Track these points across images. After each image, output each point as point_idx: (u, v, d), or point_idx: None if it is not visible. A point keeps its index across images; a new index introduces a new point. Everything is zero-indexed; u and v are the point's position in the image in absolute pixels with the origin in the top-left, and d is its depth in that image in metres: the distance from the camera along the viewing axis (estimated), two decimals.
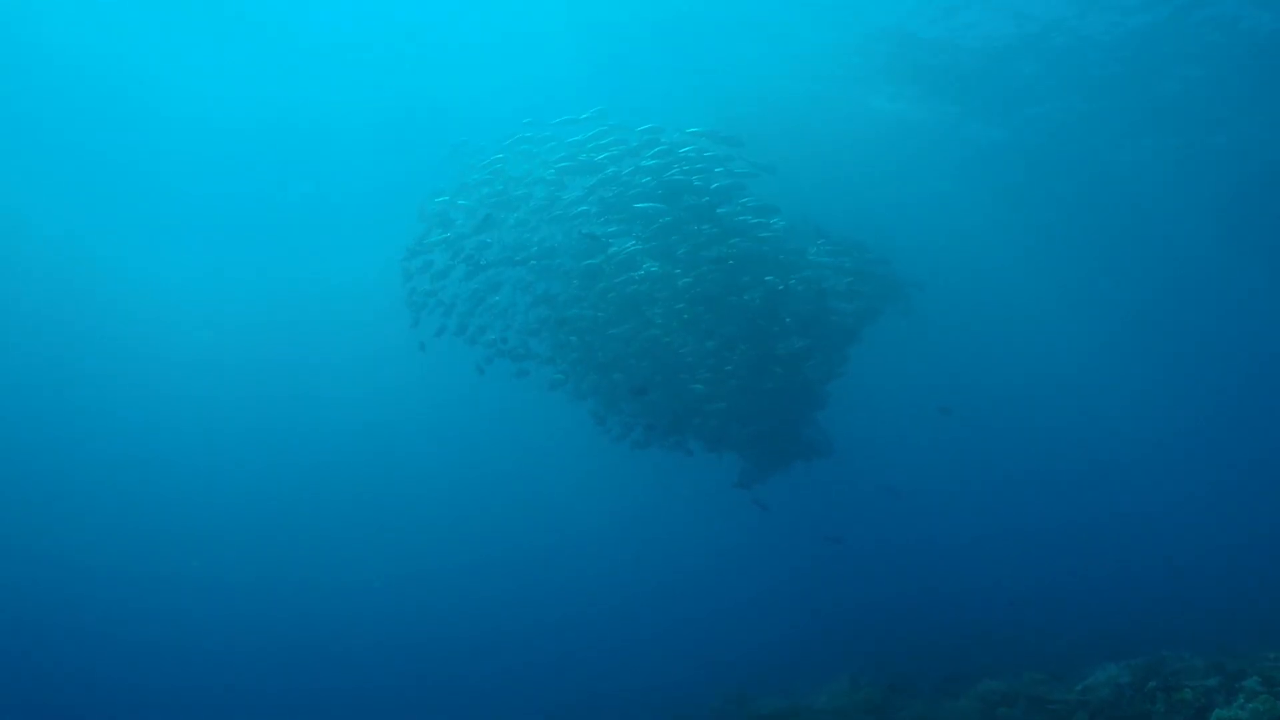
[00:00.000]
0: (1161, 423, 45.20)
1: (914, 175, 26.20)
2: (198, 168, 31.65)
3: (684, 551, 40.74)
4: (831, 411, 18.73)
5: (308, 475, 47.64)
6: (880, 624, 23.66)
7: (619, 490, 39.28)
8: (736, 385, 16.39)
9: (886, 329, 19.06)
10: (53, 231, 36.25)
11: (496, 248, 16.49)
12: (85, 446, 45.64)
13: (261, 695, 28.56)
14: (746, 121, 17.34)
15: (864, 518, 36.53)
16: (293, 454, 47.99)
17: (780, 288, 15.52)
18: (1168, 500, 39.92)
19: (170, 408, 46.21)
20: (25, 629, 33.34)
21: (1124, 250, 30.86)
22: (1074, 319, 37.19)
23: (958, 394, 39.08)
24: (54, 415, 45.55)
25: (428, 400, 43.68)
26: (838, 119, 23.59)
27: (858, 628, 23.69)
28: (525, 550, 42.83)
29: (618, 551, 42.32)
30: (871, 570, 30.25)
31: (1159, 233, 29.07)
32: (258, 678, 29.82)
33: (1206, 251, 29.86)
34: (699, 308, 15.45)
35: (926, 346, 31.31)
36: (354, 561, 41.60)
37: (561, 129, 16.08)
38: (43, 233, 36.22)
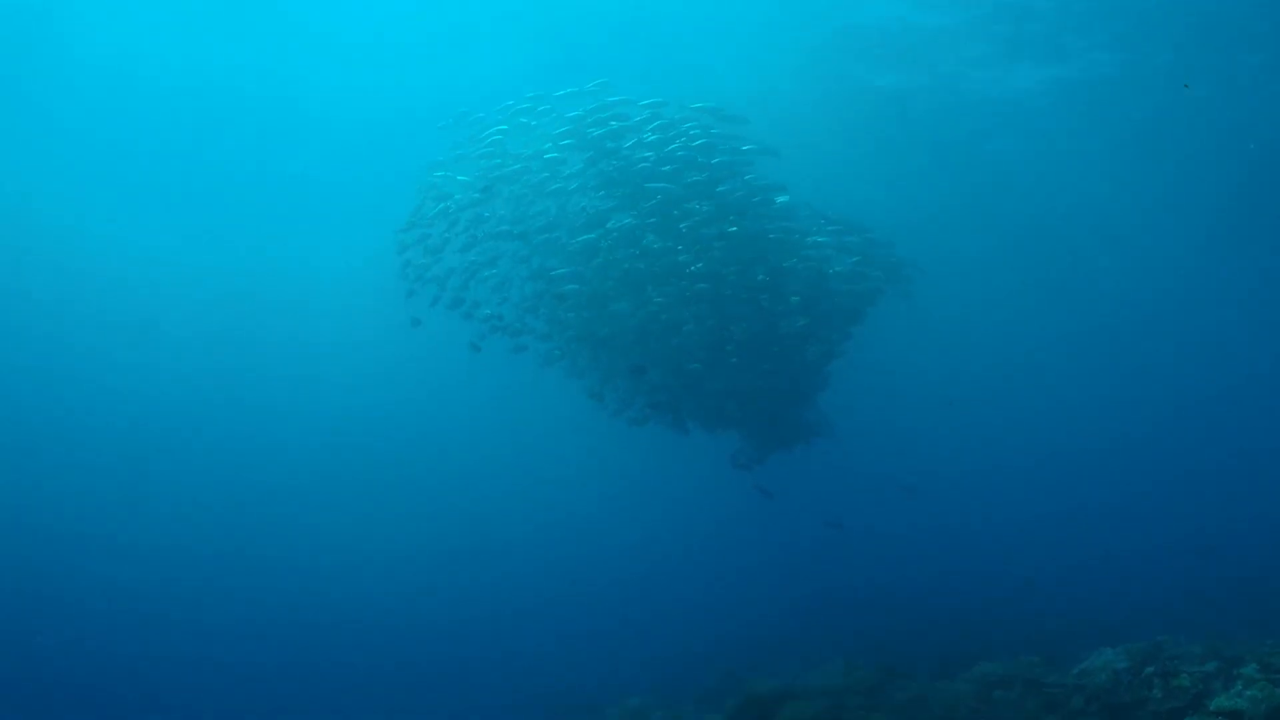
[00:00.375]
0: (1159, 409, 45.19)
1: (914, 160, 25.96)
2: (193, 149, 31.23)
3: (679, 531, 40.75)
4: (831, 394, 18.59)
5: (300, 459, 47.57)
6: (875, 605, 23.63)
7: (614, 470, 39.22)
8: (736, 364, 16.24)
9: (888, 312, 18.83)
10: (45, 215, 35.77)
11: (493, 220, 16.29)
12: (71, 432, 45.47)
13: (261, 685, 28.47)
14: (750, 107, 17.03)
15: (860, 500, 36.49)
16: (284, 438, 47.82)
17: (784, 265, 15.34)
18: (1164, 485, 39.89)
19: (162, 392, 46.00)
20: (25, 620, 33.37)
21: (1128, 238, 30.69)
22: (1074, 306, 37.04)
23: (956, 378, 39.06)
24: (45, 403, 45.29)
25: (418, 384, 43.65)
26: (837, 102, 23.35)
27: (853, 609, 23.67)
28: (519, 531, 42.83)
29: (612, 531, 42.32)
30: (867, 551, 30.21)
31: (1166, 220, 28.89)
32: (258, 665, 29.74)
33: (1214, 239, 29.68)
34: (700, 285, 15.27)
35: (926, 330, 31.12)
36: (349, 548, 41.58)
37: (563, 101, 15.83)
38: (35, 216, 35.75)
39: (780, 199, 15.24)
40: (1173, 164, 25.57)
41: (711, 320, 15.64)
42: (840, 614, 23.73)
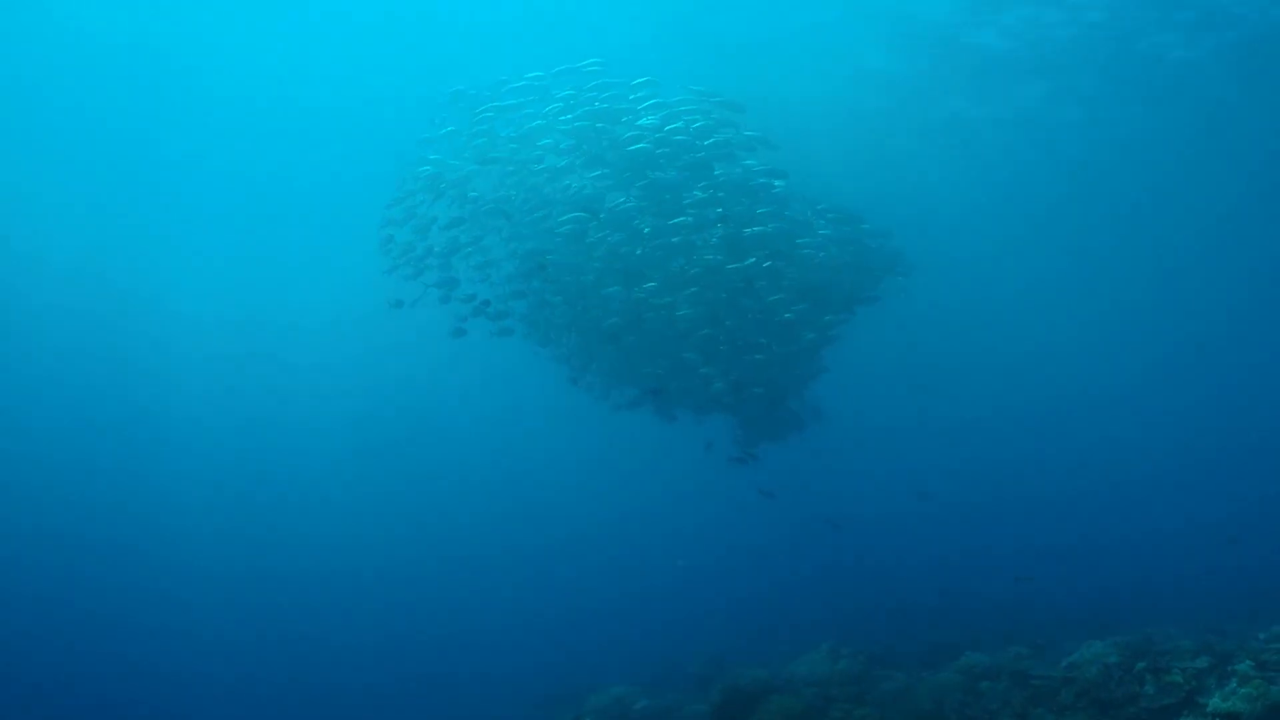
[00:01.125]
0: (1148, 400, 45.35)
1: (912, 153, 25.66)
2: (200, 157, 30.29)
3: (665, 518, 40.70)
4: (823, 384, 18.41)
5: (286, 452, 47.23)
6: (862, 594, 23.56)
7: (598, 457, 39.05)
8: (729, 350, 16.00)
9: (881, 306, 18.58)
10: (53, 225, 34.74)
11: (481, 199, 15.97)
12: (79, 442, 44.95)
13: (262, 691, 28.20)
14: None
15: (848, 489, 36.48)
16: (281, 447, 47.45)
17: (781, 249, 15.07)
18: (1151, 475, 40.06)
19: (170, 402, 45.46)
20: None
21: (1129, 240, 30.62)
22: (1066, 302, 37.01)
23: (947, 370, 39.02)
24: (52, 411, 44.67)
25: (398, 374, 43.25)
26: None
27: (839, 597, 23.58)
28: (503, 520, 42.67)
29: (597, 518, 42.19)
30: (854, 540, 30.13)
31: (1167, 224, 28.81)
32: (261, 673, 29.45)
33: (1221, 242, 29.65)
34: (695, 269, 14.98)
35: (922, 320, 31.00)
36: (331, 543, 41.37)
37: (557, 79, 15.47)
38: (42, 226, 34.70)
39: (778, 184, 14.97)
40: (1191, 164, 25.35)
41: (705, 306, 15.35)
42: (826, 599, 23.67)
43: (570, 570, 35.83)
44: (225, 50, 25.10)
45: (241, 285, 39.14)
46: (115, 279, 38.67)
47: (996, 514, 35.79)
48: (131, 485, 44.09)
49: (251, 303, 40.55)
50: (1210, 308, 36.01)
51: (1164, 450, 43.25)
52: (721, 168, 14.78)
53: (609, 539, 39.74)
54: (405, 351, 37.39)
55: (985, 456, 43.85)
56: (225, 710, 26.83)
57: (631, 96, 14.89)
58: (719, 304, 15.30)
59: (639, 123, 14.74)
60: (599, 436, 32.46)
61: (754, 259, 14.66)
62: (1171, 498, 35.10)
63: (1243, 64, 20.81)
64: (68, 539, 39.17)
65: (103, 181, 31.71)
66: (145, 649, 31.22)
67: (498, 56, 20.92)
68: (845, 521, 23.69)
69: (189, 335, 42.24)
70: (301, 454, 47.16)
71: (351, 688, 27.02)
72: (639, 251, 15.09)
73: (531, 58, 16.62)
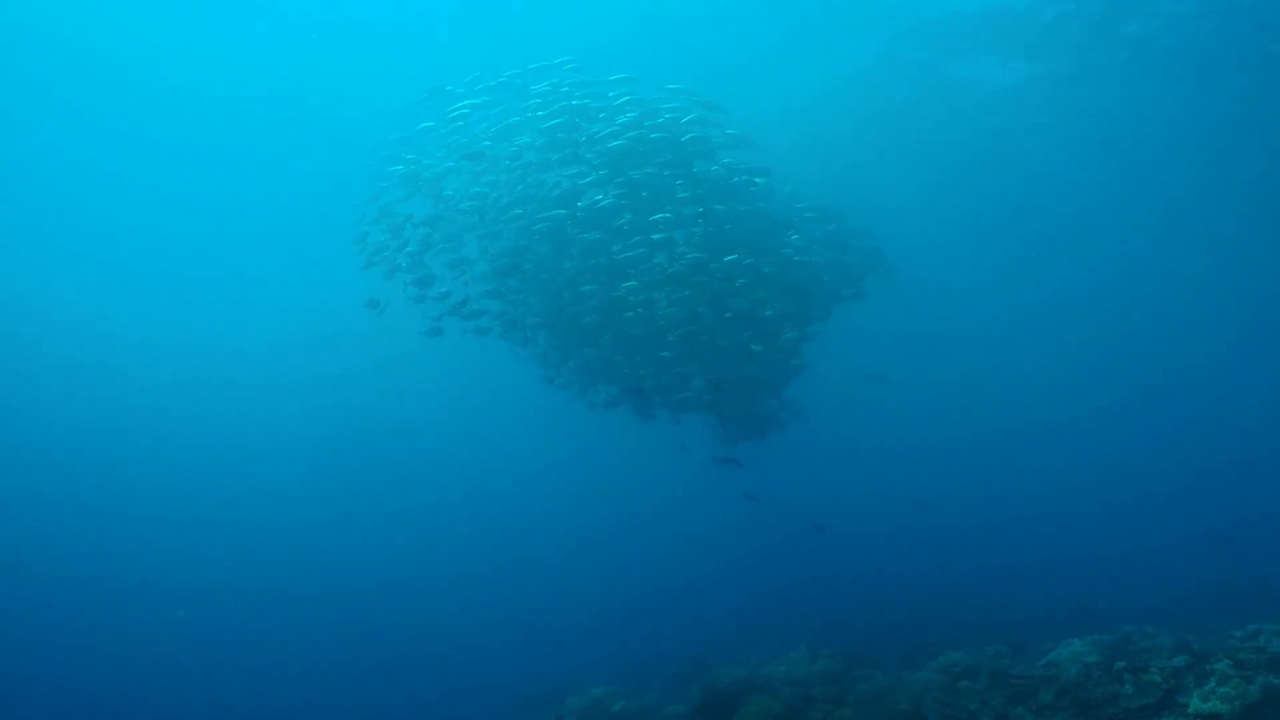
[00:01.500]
0: (1129, 398, 45.68)
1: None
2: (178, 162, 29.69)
3: (645, 518, 40.64)
4: (804, 383, 18.37)
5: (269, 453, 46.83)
6: (841, 594, 23.56)
7: (580, 457, 38.90)
8: (708, 346, 15.92)
9: (865, 306, 18.52)
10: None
11: (457, 197, 15.82)
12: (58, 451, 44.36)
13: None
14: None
15: (828, 489, 36.48)
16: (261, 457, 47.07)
17: (763, 246, 14.99)
18: (1131, 474, 40.29)
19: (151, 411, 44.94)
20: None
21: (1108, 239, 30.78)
22: (1058, 298, 37.16)
23: (929, 369, 39.12)
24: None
25: (376, 373, 42.97)
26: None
27: (818, 597, 23.58)
28: (483, 520, 42.46)
29: (578, 518, 42.05)
30: (834, 540, 30.17)
31: (1158, 224, 28.94)
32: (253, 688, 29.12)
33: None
34: (675, 267, 14.88)
35: (905, 318, 31.05)
36: (311, 543, 41.04)
37: (533, 76, 15.33)
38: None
39: (759, 181, 14.89)
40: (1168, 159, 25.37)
41: (685, 305, 15.24)
42: (806, 599, 23.66)
43: (550, 572, 35.66)
44: (192, 61, 24.58)
45: (204, 303, 38.74)
46: (61, 303, 38.06)
47: (980, 510, 35.92)
48: (93, 505, 43.51)
49: (214, 320, 40.11)
50: (1201, 307, 36.30)
51: (1150, 451, 43.56)
52: (701, 165, 14.68)
53: (590, 540, 39.61)
54: (378, 348, 37.08)
55: (964, 451, 44.10)
56: None
57: (610, 94, 14.77)
58: (699, 302, 15.21)
59: (618, 120, 14.63)
60: (578, 438, 32.36)
61: (735, 255, 14.56)
62: (1156, 498, 35.27)
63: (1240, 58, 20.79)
64: (27, 569, 38.57)
65: (47, 201, 30.98)
66: (117, 676, 30.82)
67: (475, 54, 20.78)
68: (827, 523, 23.67)
69: (142, 358, 41.82)
70: (278, 463, 46.70)
71: (333, 693, 26.81)
72: (617, 249, 14.96)
73: (509, 55, 16.53)
